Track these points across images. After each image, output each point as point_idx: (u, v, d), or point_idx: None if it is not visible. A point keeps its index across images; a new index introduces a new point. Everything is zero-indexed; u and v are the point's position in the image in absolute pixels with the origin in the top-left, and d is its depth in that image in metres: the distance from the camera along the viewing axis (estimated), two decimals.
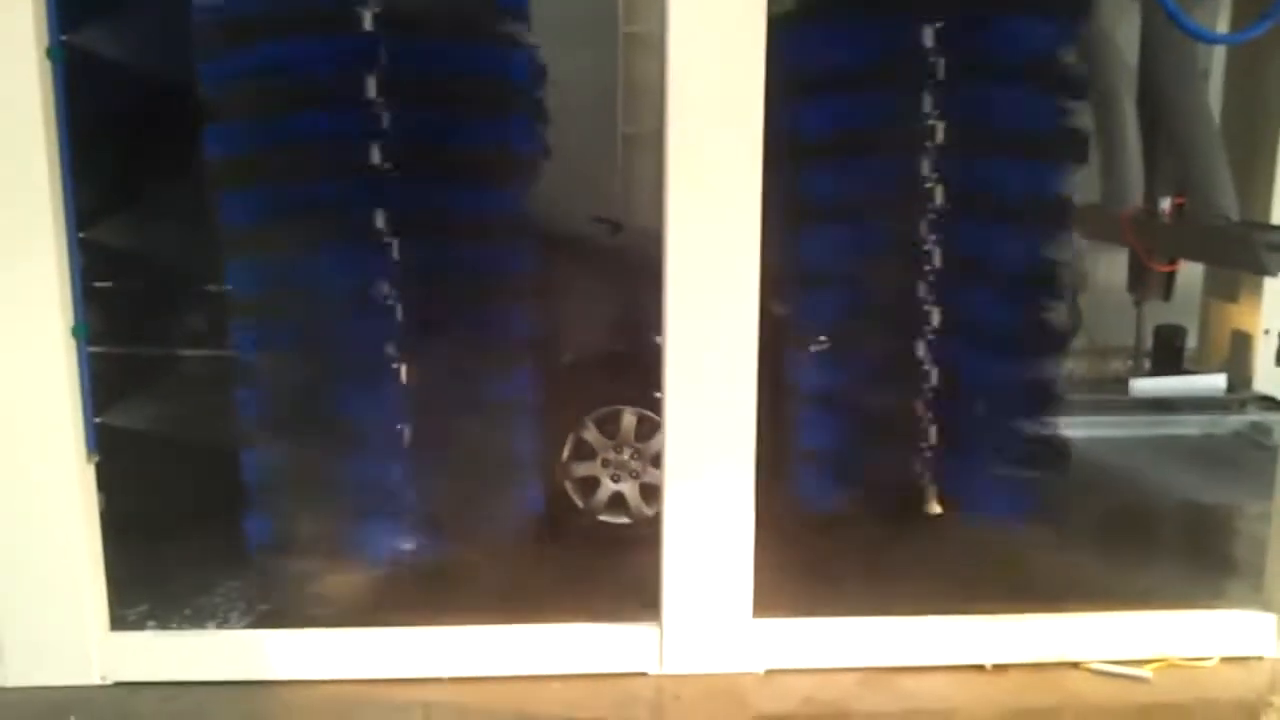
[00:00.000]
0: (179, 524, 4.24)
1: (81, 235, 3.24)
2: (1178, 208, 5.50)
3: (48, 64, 3.08)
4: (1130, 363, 6.98)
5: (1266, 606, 3.62)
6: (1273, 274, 4.98)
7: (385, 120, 3.54)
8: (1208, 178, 5.12)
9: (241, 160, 3.47)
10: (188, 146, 3.86)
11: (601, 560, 4.09)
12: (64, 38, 3.14)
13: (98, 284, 3.76)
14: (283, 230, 3.62)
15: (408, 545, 3.76)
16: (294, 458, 3.70)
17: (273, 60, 3.47)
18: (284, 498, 3.66)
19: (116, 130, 3.84)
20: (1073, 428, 5.78)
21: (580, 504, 4.33)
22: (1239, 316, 6.25)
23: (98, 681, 3.35)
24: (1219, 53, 5.95)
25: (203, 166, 3.61)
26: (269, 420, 3.65)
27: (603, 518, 4.33)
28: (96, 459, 3.31)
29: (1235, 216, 5.16)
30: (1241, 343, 6.23)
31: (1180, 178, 5.43)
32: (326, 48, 3.51)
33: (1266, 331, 6.04)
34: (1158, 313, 6.72)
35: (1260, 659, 3.58)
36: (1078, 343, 6.87)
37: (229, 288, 3.63)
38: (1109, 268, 6.71)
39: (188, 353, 4.33)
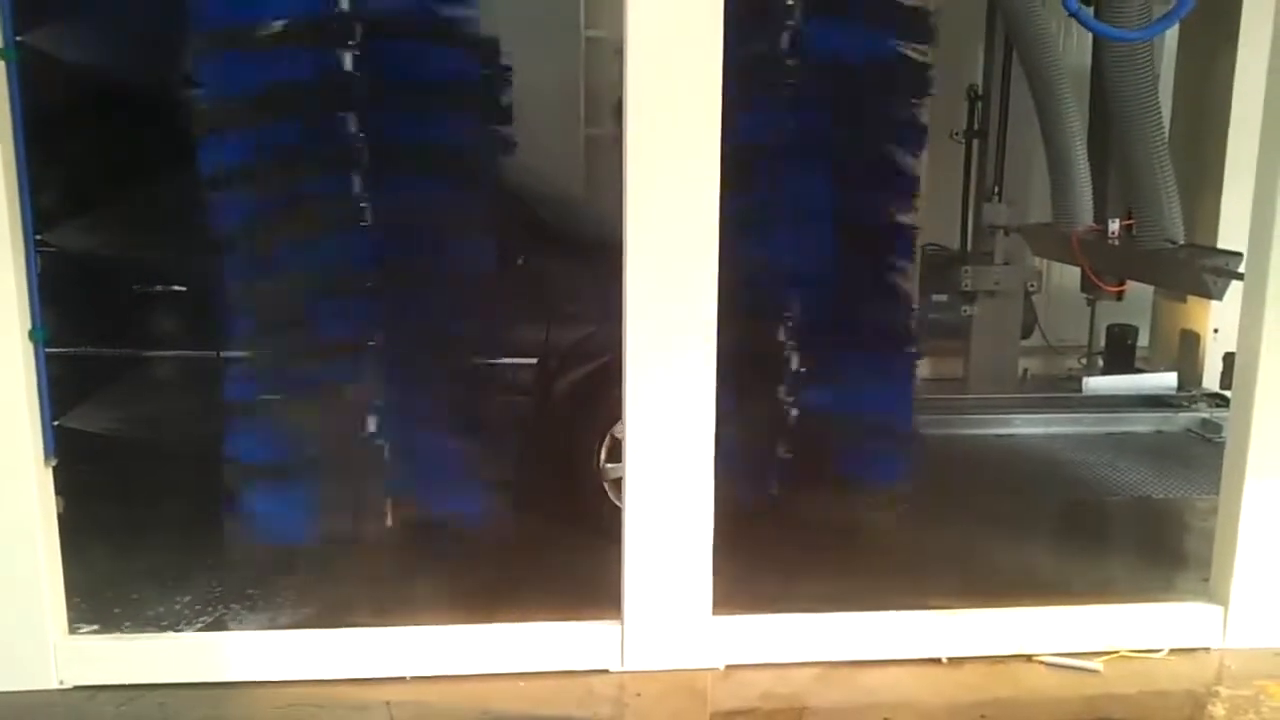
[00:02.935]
0: (137, 526, 4.22)
1: (39, 238, 3.22)
2: (1126, 229, 5.61)
3: (1, 65, 3.05)
4: (1084, 361, 7.13)
5: (1213, 598, 3.71)
6: (1218, 298, 5.09)
7: (364, 123, 3.63)
8: (1155, 201, 5.23)
9: (232, 164, 3.55)
10: (149, 149, 3.88)
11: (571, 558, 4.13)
12: (19, 38, 3.11)
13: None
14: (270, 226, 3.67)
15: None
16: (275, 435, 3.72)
17: (261, 73, 3.54)
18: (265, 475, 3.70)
19: (76, 133, 3.83)
20: (1029, 425, 5.98)
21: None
22: (1188, 316, 6.41)
23: (56, 686, 3.32)
24: (1167, 77, 6.11)
25: (165, 169, 3.64)
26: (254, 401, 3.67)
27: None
28: (54, 463, 3.29)
29: (1181, 240, 5.27)
30: (1190, 342, 6.38)
31: (1129, 200, 5.55)
32: (310, 58, 3.59)
33: (1215, 331, 6.20)
34: (1110, 312, 6.87)
35: (1208, 650, 3.65)
36: (1033, 341, 7.05)
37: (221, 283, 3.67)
38: (1063, 269, 6.84)
39: (149, 354, 4.32)
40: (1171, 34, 6.36)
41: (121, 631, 3.55)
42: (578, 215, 5.11)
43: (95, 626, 3.53)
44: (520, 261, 4.32)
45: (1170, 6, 4.28)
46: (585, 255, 4.09)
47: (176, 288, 4.28)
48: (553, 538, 4.32)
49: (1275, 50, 3.44)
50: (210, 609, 3.73)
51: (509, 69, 4.34)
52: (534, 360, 4.35)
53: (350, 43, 3.58)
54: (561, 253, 4.40)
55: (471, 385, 3.95)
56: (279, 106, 3.55)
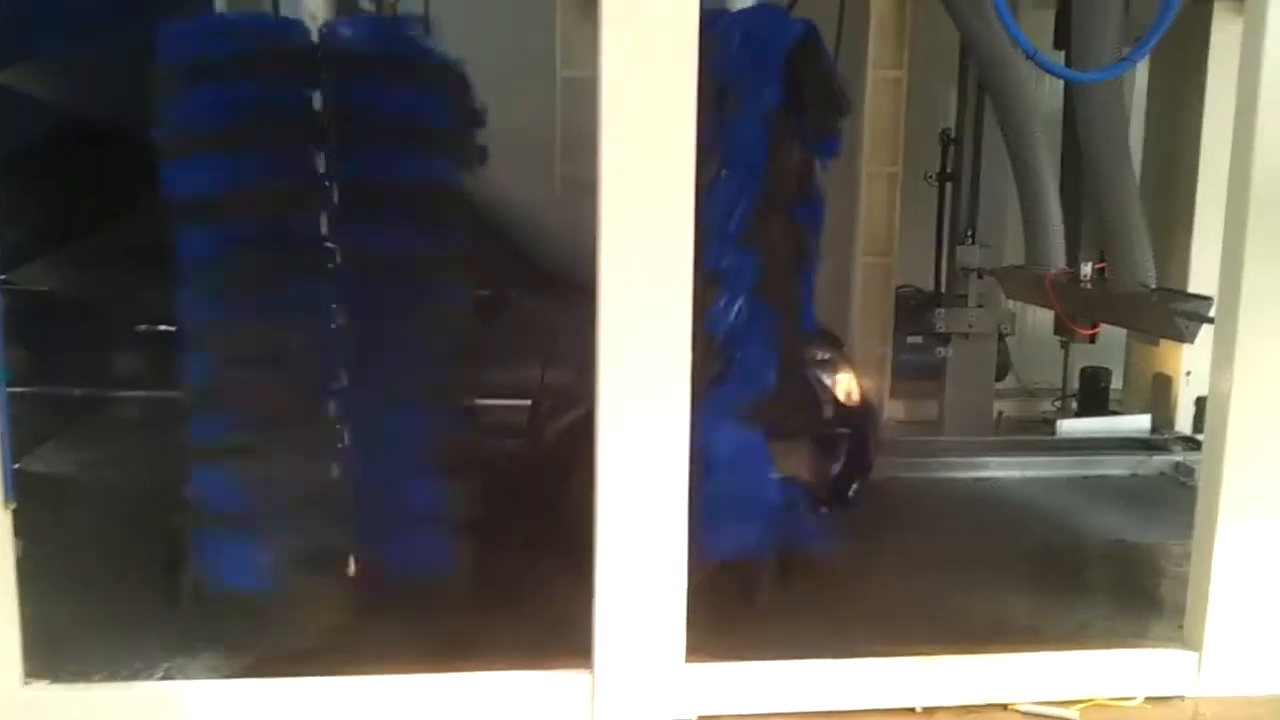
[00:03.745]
0: (100, 571, 4.13)
1: (2, 277, 3.18)
2: (1099, 272, 5.66)
3: None
4: (1058, 403, 7.15)
5: (1187, 645, 3.69)
6: (1190, 342, 5.12)
7: (332, 161, 3.59)
8: (1127, 245, 5.27)
9: (194, 199, 3.49)
10: (116, 188, 3.85)
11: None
12: None
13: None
14: (236, 264, 3.60)
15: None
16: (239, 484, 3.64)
17: (225, 103, 3.49)
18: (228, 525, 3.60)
19: (42, 172, 3.79)
20: (1004, 468, 5.97)
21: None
22: (1161, 359, 6.44)
23: None
24: (1137, 116, 6.19)
25: (132, 207, 3.60)
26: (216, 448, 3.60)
27: None
28: (13, 505, 3.22)
29: (1153, 284, 5.31)
30: (1163, 384, 6.41)
31: (1101, 244, 5.60)
32: (276, 91, 3.55)
33: (1188, 374, 6.24)
34: (1084, 355, 6.91)
35: (1182, 698, 3.63)
36: (1007, 383, 7.08)
37: (181, 320, 3.60)
38: (1036, 311, 6.88)
39: (114, 394, 4.26)
40: (1142, 79, 6.45)
41: (78, 681, 3.44)
42: (567, 253, 5.10)
43: (48, 679, 3.41)
44: (513, 295, 4.30)
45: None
46: (575, 293, 4.10)
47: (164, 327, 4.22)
48: (529, 584, 4.24)
49: (1241, 97, 3.48)
50: (168, 657, 3.62)
51: (484, 109, 4.35)
52: (524, 401, 4.31)
53: (318, 80, 3.56)
54: (552, 291, 4.38)
55: (445, 428, 3.89)
56: (243, 142, 3.52)
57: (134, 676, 3.51)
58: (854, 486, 4.72)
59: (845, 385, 4.71)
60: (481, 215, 4.23)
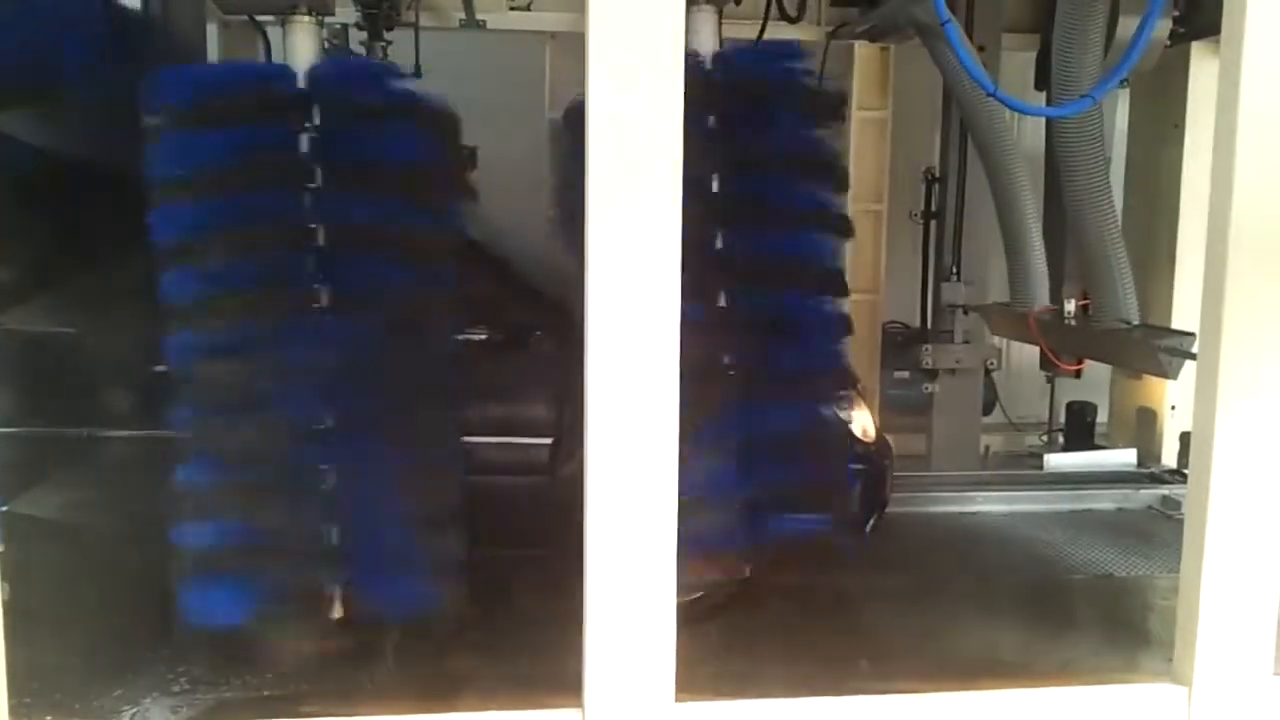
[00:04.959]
0: (87, 615, 4.10)
1: None
2: (1082, 309, 5.69)
3: None
4: (1044, 438, 7.18)
5: (1177, 679, 3.69)
6: (1173, 378, 5.15)
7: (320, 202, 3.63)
8: (1110, 282, 5.31)
9: (185, 241, 3.52)
10: (108, 231, 3.86)
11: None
12: None
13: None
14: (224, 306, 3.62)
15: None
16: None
17: (217, 147, 3.54)
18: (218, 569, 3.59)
19: (32, 215, 3.80)
20: (991, 502, 5.99)
21: None
22: (1145, 394, 6.48)
23: None
24: (1118, 152, 6.27)
25: (121, 249, 3.61)
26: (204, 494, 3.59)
27: None
28: (1, 548, 3.21)
29: (1136, 320, 5.35)
30: (1148, 418, 6.45)
31: (1084, 281, 5.64)
32: (267, 135, 3.60)
33: (1173, 408, 6.28)
34: (1070, 389, 6.95)
35: None
36: (994, 418, 7.11)
37: (169, 362, 3.61)
38: (1022, 346, 6.93)
39: (105, 434, 4.24)
40: (1123, 118, 6.55)
41: None
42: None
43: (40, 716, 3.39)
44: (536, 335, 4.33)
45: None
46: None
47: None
48: (532, 623, 4.21)
49: (1219, 134, 3.54)
50: (151, 698, 3.61)
51: (472, 150, 4.40)
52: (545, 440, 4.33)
53: (307, 124, 3.60)
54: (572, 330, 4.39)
55: (436, 467, 3.89)
56: (234, 185, 3.55)
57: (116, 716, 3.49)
58: (871, 521, 4.73)
59: (861, 422, 4.74)
60: (496, 256, 4.27)
